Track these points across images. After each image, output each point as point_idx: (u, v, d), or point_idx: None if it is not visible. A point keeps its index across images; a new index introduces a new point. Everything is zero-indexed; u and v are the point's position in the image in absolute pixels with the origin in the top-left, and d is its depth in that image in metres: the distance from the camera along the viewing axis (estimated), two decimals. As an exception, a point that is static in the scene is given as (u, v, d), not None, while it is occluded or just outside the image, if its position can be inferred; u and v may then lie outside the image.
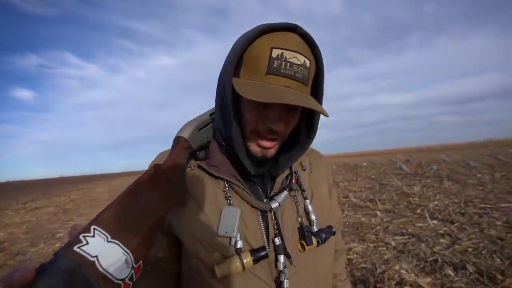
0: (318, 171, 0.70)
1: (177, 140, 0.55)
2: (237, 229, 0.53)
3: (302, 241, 0.57)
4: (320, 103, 0.56)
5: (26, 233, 6.97)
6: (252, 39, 0.49)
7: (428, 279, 2.63)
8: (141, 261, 0.42)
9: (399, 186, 8.38)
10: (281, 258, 0.54)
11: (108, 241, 0.38)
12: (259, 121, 0.53)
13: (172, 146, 0.55)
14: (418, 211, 5.32)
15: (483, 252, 3.14)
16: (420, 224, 4.46)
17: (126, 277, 0.38)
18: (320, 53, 0.53)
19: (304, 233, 0.57)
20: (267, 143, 0.55)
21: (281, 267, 0.54)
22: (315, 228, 0.59)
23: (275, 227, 0.56)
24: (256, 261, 0.52)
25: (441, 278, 2.67)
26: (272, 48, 0.48)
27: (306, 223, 0.60)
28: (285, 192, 0.60)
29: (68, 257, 0.34)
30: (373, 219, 5.10)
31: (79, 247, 0.35)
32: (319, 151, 0.77)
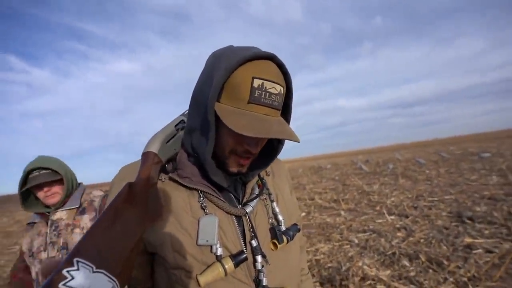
0: (279, 175, 0.76)
1: (147, 155, 0.55)
2: (217, 236, 0.55)
3: (274, 241, 0.62)
4: (289, 121, 0.61)
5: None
6: (235, 68, 0.51)
7: (388, 272, 2.84)
8: (126, 286, 0.42)
9: (360, 185, 8.91)
10: (259, 258, 0.58)
11: (93, 272, 0.37)
12: (237, 144, 0.56)
13: (142, 162, 0.55)
14: (378, 208, 5.71)
15: (433, 241, 3.48)
16: (379, 220, 4.79)
17: None
18: (290, 80, 0.57)
19: (276, 233, 0.62)
20: (245, 162, 0.59)
21: (259, 267, 0.57)
22: (283, 227, 0.64)
23: (251, 230, 0.60)
24: (237, 265, 0.55)
25: (398, 269, 2.89)
26: (253, 78, 0.50)
27: (275, 223, 0.65)
28: (256, 198, 0.64)
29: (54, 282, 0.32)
30: (337, 219, 5.35)
31: (64, 284, 0.33)
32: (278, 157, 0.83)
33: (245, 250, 0.58)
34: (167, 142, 0.59)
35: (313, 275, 3.07)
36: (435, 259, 2.95)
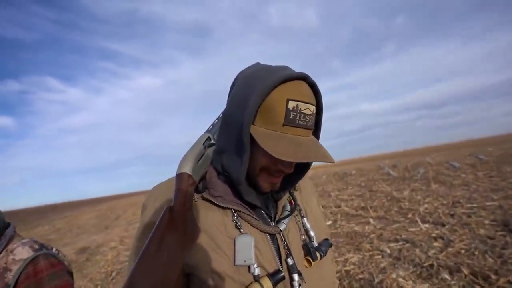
0: (305, 188, 0.75)
1: (181, 176, 0.55)
2: (254, 256, 0.54)
3: (308, 257, 0.61)
4: (319, 136, 0.61)
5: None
6: (270, 91, 0.51)
7: (426, 285, 2.63)
8: None
9: (388, 191, 8.50)
10: (295, 277, 0.57)
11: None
12: (271, 164, 0.55)
13: (177, 183, 0.54)
14: (410, 215, 5.39)
15: (476, 252, 3.19)
16: (412, 229, 4.51)
17: None
18: (321, 98, 0.57)
19: (309, 250, 0.61)
20: (277, 180, 0.59)
21: (296, 285, 0.56)
22: (315, 243, 0.64)
23: (286, 248, 0.59)
24: (275, 284, 0.54)
25: (438, 283, 2.67)
26: (288, 100, 0.50)
27: (307, 239, 0.64)
28: (288, 216, 0.63)
29: None
30: (366, 227, 5.11)
31: None
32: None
33: (281, 269, 0.57)
34: (198, 161, 0.58)
35: (343, 287, 2.93)
36: (481, 273, 2.69)
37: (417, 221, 4.81)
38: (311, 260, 0.60)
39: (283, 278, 0.55)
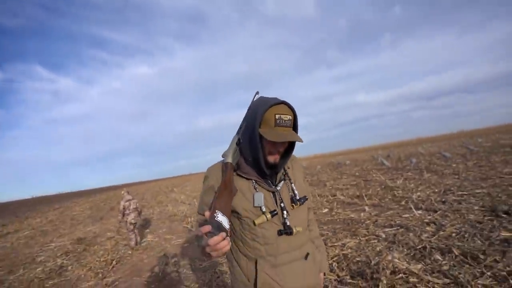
0: (295, 168, 1.22)
1: (227, 164, 1.04)
2: (263, 202, 1.04)
3: (292, 204, 1.09)
4: (297, 131, 1.07)
5: (1, 260, 6.59)
6: (266, 110, 0.99)
7: (419, 266, 2.80)
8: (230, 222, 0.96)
9: (383, 180, 8.73)
10: (285, 213, 1.07)
11: (222, 215, 0.90)
12: (273, 148, 1.04)
13: (226, 168, 1.03)
14: (403, 203, 5.59)
15: (465, 235, 3.38)
16: (406, 215, 4.70)
17: (228, 228, 0.90)
18: (295, 111, 1.03)
19: (293, 200, 1.10)
20: (276, 157, 1.07)
21: (285, 216, 1.06)
22: (297, 197, 1.11)
23: (279, 199, 1.08)
24: (272, 216, 1.04)
25: (430, 263, 2.85)
26: (275, 114, 0.99)
27: (293, 195, 1.12)
28: (282, 182, 1.12)
29: (214, 219, 0.88)
30: (362, 214, 5.30)
31: (215, 217, 0.88)
32: (295, 155, 1.27)
33: (276, 209, 1.06)
34: (234, 154, 1.07)
35: (342, 269, 3.09)
36: (470, 253, 2.87)
37: (410, 208, 5.01)
38: (294, 205, 1.09)
39: (276, 213, 1.05)
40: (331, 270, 3.08)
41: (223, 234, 0.82)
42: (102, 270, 4.71)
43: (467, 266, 2.68)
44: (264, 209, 1.02)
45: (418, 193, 6.14)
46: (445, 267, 2.71)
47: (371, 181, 9.11)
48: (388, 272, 2.69)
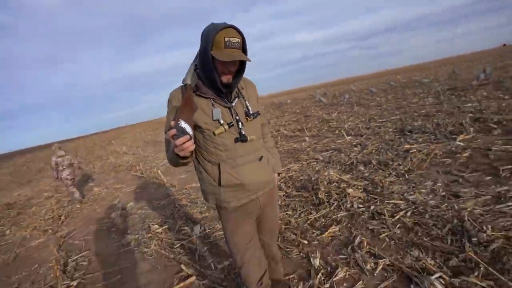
0: (249, 89, 1.36)
1: (186, 86, 1.18)
2: (220, 116, 1.19)
3: (247, 117, 1.26)
4: (246, 53, 1.16)
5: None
6: (216, 34, 1.07)
7: (348, 175, 3.49)
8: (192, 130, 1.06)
9: (320, 115, 9.66)
10: (240, 124, 1.23)
11: (185, 123, 1.00)
12: (224, 68, 1.14)
13: (185, 89, 1.17)
14: (337, 132, 6.44)
15: (381, 151, 4.23)
16: (339, 141, 5.50)
17: (191, 134, 1.01)
18: (243, 34, 1.11)
19: (248, 114, 1.26)
20: (229, 76, 1.19)
21: (240, 126, 1.23)
22: (251, 112, 1.27)
23: (235, 113, 1.24)
24: (229, 127, 1.20)
25: (356, 173, 3.57)
26: (224, 37, 1.07)
27: (247, 110, 1.27)
28: (236, 99, 1.25)
29: (179, 125, 1.00)
30: (303, 144, 5.99)
31: (179, 124, 1.00)
32: (250, 81, 1.40)
33: (232, 121, 1.22)
34: (192, 77, 1.20)
35: (288, 187, 3.64)
36: (383, 162, 3.67)
37: (342, 135, 5.84)
38: (248, 118, 1.26)
39: (232, 124, 1.21)
40: (280, 189, 3.61)
41: (187, 136, 0.97)
42: (51, 227, 4.54)
43: (381, 171, 3.46)
44: (222, 122, 1.18)
45: (349, 123, 7.09)
46: (366, 174, 3.45)
47: (310, 116, 9.98)
48: (325, 183, 3.31)
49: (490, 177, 2.77)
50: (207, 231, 3.00)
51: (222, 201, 1.26)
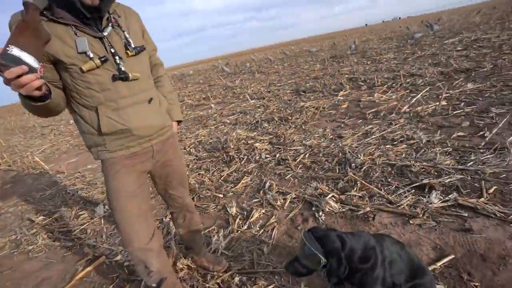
0: (130, 18, 1.12)
1: (28, 3, 0.82)
2: (88, 47, 0.95)
3: (127, 51, 1.05)
4: None
5: None
6: None
7: (255, 133, 3.70)
8: (41, 63, 0.79)
9: (224, 83, 9.67)
10: (117, 59, 1.01)
11: (20, 51, 0.74)
12: None
13: (26, 7, 0.81)
14: (241, 97, 6.63)
15: (282, 109, 4.64)
16: (244, 105, 5.70)
17: (36, 66, 0.76)
18: None
19: (128, 47, 1.05)
20: None
21: (118, 61, 1.01)
22: (133, 46, 1.06)
23: (109, 45, 1.01)
24: (102, 62, 0.97)
25: (261, 130, 3.82)
26: None
27: (126, 43, 1.05)
28: (109, 27, 1.01)
29: (7, 53, 0.72)
30: (209, 111, 5.92)
31: (7, 51, 0.72)
32: (134, 10, 1.16)
33: (106, 55, 0.99)
34: None
35: (198, 151, 3.58)
36: (284, 117, 4.05)
37: (247, 99, 6.07)
38: (129, 52, 1.05)
39: (107, 59, 0.98)
40: (190, 154, 3.51)
41: (23, 67, 0.72)
42: None
43: (282, 125, 3.81)
44: (91, 55, 0.95)
45: (252, 88, 7.39)
46: (270, 129, 3.73)
47: (214, 86, 9.88)
48: (234, 141, 3.40)
49: (361, 120, 3.47)
50: (111, 208, 2.67)
51: (107, 151, 1.06)
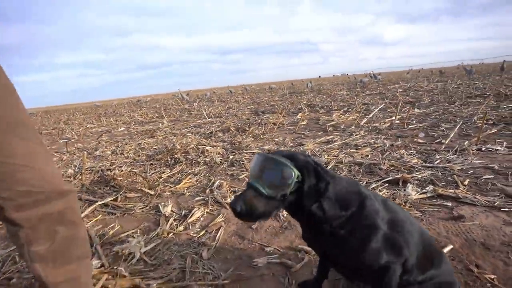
0: None
1: None
2: None
3: None
4: None
5: None
6: None
7: (209, 140, 3.27)
8: None
9: (182, 107, 9.24)
10: None
11: None
12: None
13: None
14: (198, 116, 6.24)
15: (239, 124, 4.34)
16: (200, 121, 5.29)
17: None
18: None
19: None
20: None
21: None
22: None
23: None
24: None
25: (215, 139, 3.41)
26: None
27: None
28: None
29: None
30: (160, 125, 5.36)
31: None
32: None
33: None
34: None
35: (138, 155, 2.98)
36: (241, 129, 3.74)
37: (204, 117, 5.69)
38: None
39: None
40: (126, 158, 2.90)
41: None
42: None
43: (239, 135, 3.47)
44: None
45: (210, 110, 7.09)
46: (225, 138, 3.35)
47: (171, 109, 9.37)
48: (183, 145, 2.92)
49: (321, 132, 3.32)
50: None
51: None
